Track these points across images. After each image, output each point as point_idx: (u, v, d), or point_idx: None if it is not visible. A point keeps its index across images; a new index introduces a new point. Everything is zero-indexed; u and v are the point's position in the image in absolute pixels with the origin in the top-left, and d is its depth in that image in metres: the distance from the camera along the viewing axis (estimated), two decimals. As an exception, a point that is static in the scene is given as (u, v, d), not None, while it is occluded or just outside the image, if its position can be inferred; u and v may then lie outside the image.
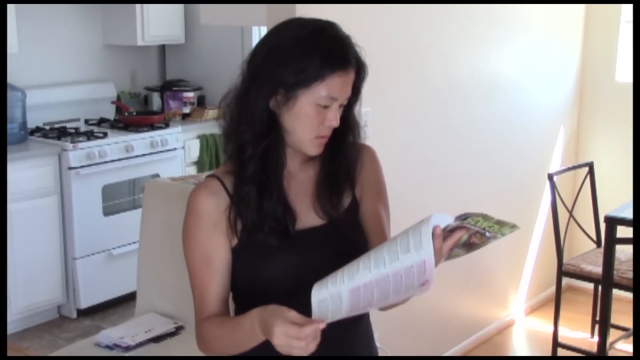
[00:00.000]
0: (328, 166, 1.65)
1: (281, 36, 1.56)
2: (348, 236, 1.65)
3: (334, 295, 1.39)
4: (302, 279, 1.54)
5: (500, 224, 1.39)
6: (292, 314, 1.39)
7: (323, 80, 1.50)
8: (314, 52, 1.50)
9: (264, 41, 1.59)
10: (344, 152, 1.66)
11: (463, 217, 1.39)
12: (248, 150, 1.56)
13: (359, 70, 1.57)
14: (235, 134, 1.58)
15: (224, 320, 1.58)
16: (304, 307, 1.50)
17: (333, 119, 1.54)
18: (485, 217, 1.40)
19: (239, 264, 1.60)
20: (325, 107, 1.53)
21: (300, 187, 1.64)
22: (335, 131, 1.61)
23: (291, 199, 1.62)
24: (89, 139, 4.25)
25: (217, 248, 1.58)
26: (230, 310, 1.65)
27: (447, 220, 1.39)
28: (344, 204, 1.66)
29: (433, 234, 1.36)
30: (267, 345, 1.59)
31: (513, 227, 1.40)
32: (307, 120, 1.54)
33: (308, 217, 1.62)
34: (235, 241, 1.59)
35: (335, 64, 1.51)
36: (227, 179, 1.60)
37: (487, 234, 1.38)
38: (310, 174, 1.66)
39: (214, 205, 1.58)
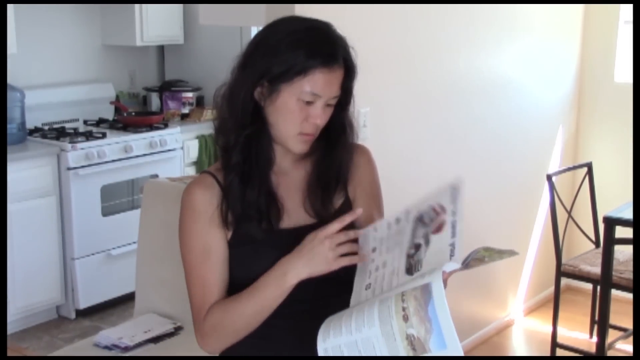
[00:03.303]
0: (320, 167, 1.65)
1: (273, 30, 1.57)
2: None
3: (344, 344, 1.39)
4: None
5: (500, 252, 1.40)
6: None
7: (306, 74, 1.50)
8: (300, 46, 1.51)
9: (257, 35, 1.60)
10: (336, 154, 1.65)
11: (467, 261, 1.38)
12: (231, 138, 1.57)
13: (349, 70, 1.57)
14: (222, 123, 1.59)
15: (236, 295, 1.56)
16: (294, 305, 1.50)
17: (317, 116, 1.54)
18: (486, 249, 1.40)
19: (231, 259, 1.60)
20: (309, 103, 1.53)
21: (291, 184, 1.64)
22: (330, 132, 1.61)
23: (281, 195, 1.61)
24: (87, 140, 4.25)
25: (215, 241, 1.58)
26: None
27: (453, 266, 1.38)
28: (335, 204, 1.66)
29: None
30: (267, 345, 1.59)
31: (512, 253, 1.40)
32: (289, 115, 1.53)
33: (298, 215, 1.62)
34: (229, 235, 1.59)
35: (319, 59, 1.50)
36: (220, 174, 1.61)
37: (486, 259, 1.39)
38: (302, 173, 1.66)
39: (208, 200, 1.59)
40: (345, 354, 1.38)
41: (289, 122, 1.54)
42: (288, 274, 1.47)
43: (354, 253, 1.48)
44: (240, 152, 1.57)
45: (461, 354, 1.30)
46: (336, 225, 1.46)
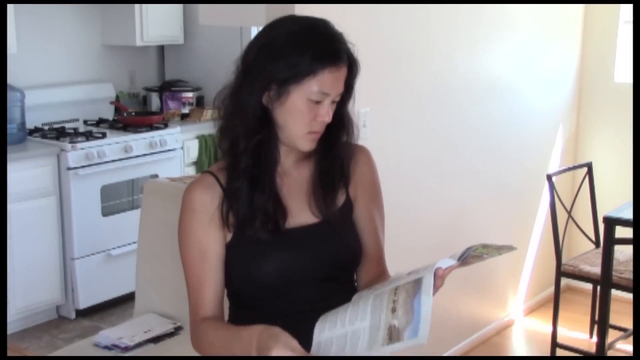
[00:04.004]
0: (323, 164, 1.66)
1: (273, 32, 1.57)
2: (341, 235, 1.65)
3: (331, 339, 1.40)
4: (295, 276, 1.55)
5: (498, 248, 1.41)
6: (294, 343, 1.37)
7: (314, 75, 1.51)
8: (305, 48, 1.52)
9: (257, 38, 1.60)
10: (337, 150, 1.66)
11: (464, 257, 1.39)
12: (241, 144, 1.57)
13: (351, 66, 1.58)
14: (228, 128, 1.60)
15: (222, 326, 1.57)
16: (296, 304, 1.50)
17: (325, 114, 1.55)
18: (484, 245, 1.41)
19: (233, 260, 1.60)
20: (318, 102, 1.54)
21: (294, 184, 1.65)
22: (329, 129, 1.62)
23: (284, 196, 1.62)
24: (87, 140, 4.25)
25: (212, 243, 1.59)
26: (224, 307, 1.66)
27: (449, 262, 1.39)
28: (338, 202, 1.66)
29: (435, 274, 1.37)
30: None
31: (510, 248, 1.41)
32: (299, 115, 1.54)
33: (302, 215, 1.63)
34: (229, 236, 1.59)
35: (326, 59, 1.52)
36: (221, 175, 1.61)
37: (485, 255, 1.40)
38: (305, 173, 1.67)
39: (209, 200, 1.59)
40: (334, 347, 1.39)
41: (298, 123, 1.55)
42: (253, 352, 1.41)
43: None
44: (250, 157, 1.57)
45: (425, 342, 1.31)
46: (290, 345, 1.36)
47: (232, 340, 1.50)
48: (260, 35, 1.60)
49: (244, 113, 1.56)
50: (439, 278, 1.37)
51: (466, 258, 1.39)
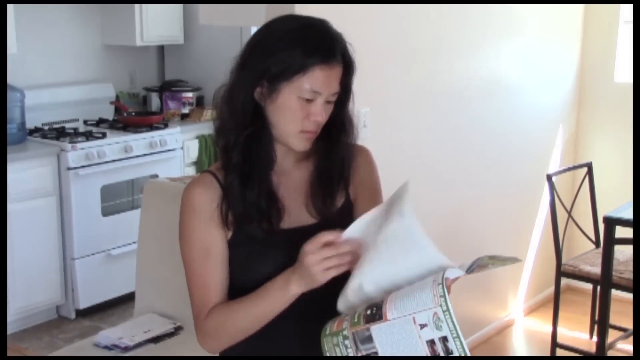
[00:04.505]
0: (322, 165, 1.65)
1: (270, 29, 1.57)
2: None
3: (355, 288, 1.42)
4: None
5: (504, 260, 1.41)
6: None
7: (305, 72, 1.50)
8: (297, 44, 1.51)
9: (254, 35, 1.60)
10: (337, 152, 1.65)
11: (472, 269, 1.39)
12: (231, 139, 1.57)
13: (348, 66, 1.57)
14: (223, 125, 1.59)
15: (240, 299, 1.55)
16: (294, 305, 1.50)
17: (318, 113, 1.54)
18: (491, 257, 1.41)
19: (232, 260, 1.60)
20: (310, 101, 1.53)
21: (292, 185, 1.64)
22: (329, 130, 1.61)
23: (282, 195, 1.61)
24: (87, 140, 4.25)
25: (215, 241, 1.58)
26: None
27: (457, 273, 1.39)
28: (337, 203, 1.66)
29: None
30: (267, 345, 1.59)
31: (515, 260, 1.41)
32: (290, 113, 1.53)
33: (300, 215, 1.62)
34: (229, 235, 1.59)
35: (317, 56, 1.50)
36: (220, 174, 1.61)
37: (490, 266, 1.40)
38: (304, 173, 1.66)
39: (209, 199, 1.58)
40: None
41: (290, 121, 1.54)
42: (290, 284, 1.45)
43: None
44: (240, 153, 1.56)
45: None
46: (321, 238, 1.42)
47: (260, 297, 1.50)
48: (257, 32, 1.60)
49: (235, 107, 1.56)
50: (446, 287, 1.37)
51: (473, 269, 1.40)
